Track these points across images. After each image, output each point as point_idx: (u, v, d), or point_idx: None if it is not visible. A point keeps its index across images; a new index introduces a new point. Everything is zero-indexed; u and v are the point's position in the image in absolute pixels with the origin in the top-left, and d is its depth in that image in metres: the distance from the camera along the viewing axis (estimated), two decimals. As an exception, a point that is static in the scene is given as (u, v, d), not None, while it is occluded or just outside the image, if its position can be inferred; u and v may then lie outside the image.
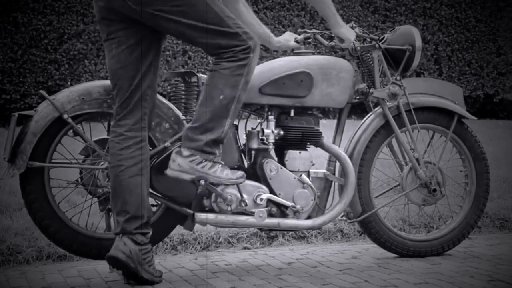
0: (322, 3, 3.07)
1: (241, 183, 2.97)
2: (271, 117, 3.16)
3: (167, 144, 3.01)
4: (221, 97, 2.82)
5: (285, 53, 3.70)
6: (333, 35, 3.26)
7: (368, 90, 3.32)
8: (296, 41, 3.36)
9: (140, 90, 2.84)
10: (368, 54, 3.33)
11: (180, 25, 2.78)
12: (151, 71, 2.87)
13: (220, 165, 2.89)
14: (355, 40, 3.24)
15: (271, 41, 3.36)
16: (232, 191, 3.03)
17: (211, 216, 3.04)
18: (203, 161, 2.85)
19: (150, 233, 2.89)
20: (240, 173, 2.95)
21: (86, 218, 3.16)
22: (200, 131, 2.84)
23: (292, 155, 3.17)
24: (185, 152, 2.85)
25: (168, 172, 2.88)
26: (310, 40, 3.37)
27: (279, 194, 3.12)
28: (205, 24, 2.77)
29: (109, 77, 2.90)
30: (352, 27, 3.27)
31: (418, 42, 3.31)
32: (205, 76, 3.07)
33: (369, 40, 3.34)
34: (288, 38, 3.38)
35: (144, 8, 2.75)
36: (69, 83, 8.72)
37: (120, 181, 2.82)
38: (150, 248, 2.89)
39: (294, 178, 3.15)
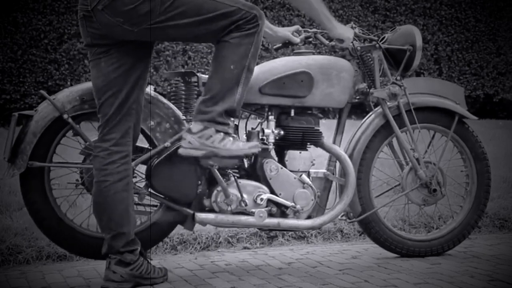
0: (314, 10, 3.03)
1: (254, 152, 2.91)
2: (271, 117, 3.16)
3: (167, 144, 3.00)
4: (232, 66, 2.78)
5: (285, 53, 3.70)
6: (333, 34, 3.26)
7: (368, 90, 3.31)
8: (296, 33, 3.35)
9: (127, 105, 2.81)
10: (369, 54, 3.33)
11: (180, 28, 2.73)
12: (139, 85, 2.83)
13: (231, 138, 2.85)
14: (354, 39, 3.24)
15: (272, 31, 3.35)
16: (232, 191, 3.03)
17: (211, 216, 3.04)
18: (213, 135, 2.80)
19: (139, 248, 2.88)
20: (254, 143, 2.91)
21: (86, 218, 3.15)
22: (212, 102, 2.80)
23: (292, 155, 3.17)
24: (194, 129, 2.81)
25: (181, 151, 2.85)
26: (311, 39, 3.37)
27: (280, 194, 3.12)
28: (203, 16, 2.72)
29: (94, 92, 2.85)
30: (352, 27, 3.27)
31: (419, 42, 3.31)
32: (205, 76, 3.06)
33: (369, 40, 3.34)
34: (289, 29, 3.38)
35: (140, 26, 2.70)
36: (69, 83, 8.72)
37: (105, 196, 2.80)
38: (142, 261, 2.87)
39: (294, 178, 3.15)
